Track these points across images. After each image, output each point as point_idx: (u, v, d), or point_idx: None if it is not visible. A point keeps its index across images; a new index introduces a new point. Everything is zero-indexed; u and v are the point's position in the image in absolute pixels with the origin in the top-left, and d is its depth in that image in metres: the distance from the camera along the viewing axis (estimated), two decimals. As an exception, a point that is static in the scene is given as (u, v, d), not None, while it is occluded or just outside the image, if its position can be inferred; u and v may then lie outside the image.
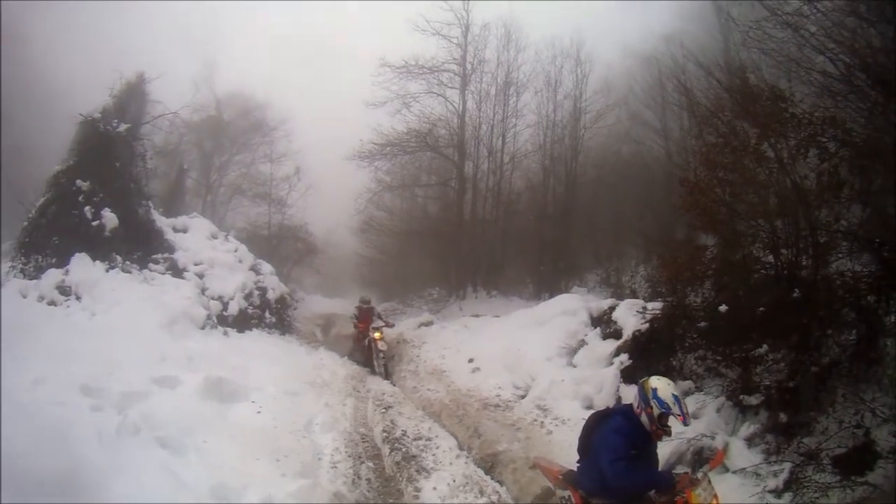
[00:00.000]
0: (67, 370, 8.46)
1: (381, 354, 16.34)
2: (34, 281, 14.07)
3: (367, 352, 17.04)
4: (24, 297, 13.38)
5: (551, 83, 26.01)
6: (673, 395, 5.93)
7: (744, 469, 7.49)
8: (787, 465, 7.26)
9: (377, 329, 16.94)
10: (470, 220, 25.82)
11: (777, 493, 7.07)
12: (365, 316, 18.05)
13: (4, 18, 19.73)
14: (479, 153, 26.30)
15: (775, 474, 7.23)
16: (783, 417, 7.82)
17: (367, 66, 25.86)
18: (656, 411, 5.83)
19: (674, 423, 5.92)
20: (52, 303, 13.41)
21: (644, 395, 5.97)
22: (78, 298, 13.62)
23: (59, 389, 7.70)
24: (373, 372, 16.23)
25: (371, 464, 9.24)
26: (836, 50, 8.71)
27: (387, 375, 15.77)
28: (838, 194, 8.46)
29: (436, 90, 25.86)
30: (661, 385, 6.04)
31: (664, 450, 6.86)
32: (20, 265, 14.77)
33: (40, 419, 6.29)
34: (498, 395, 11.84)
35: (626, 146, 24.11)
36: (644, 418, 5.91)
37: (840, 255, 8.49)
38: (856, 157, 8.46)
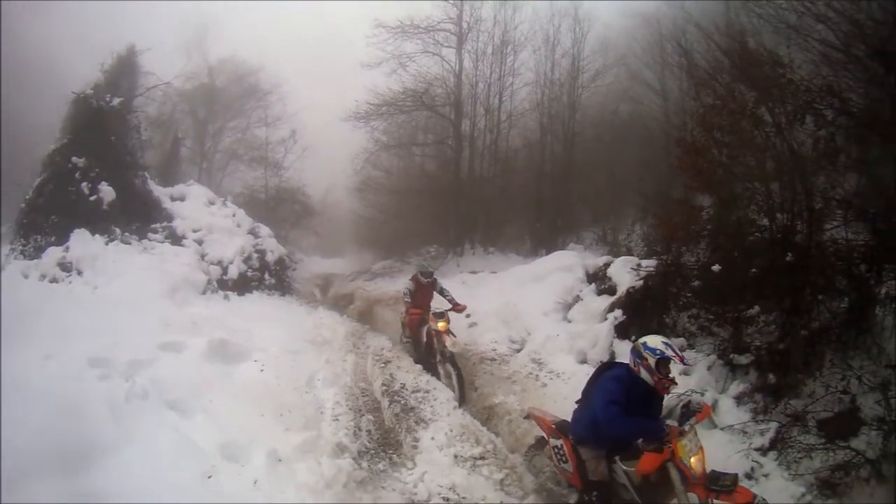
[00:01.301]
0: (74, 344, 8.58)
1: (448, 355, 11.16)
2: (35, 261, 14.32)
3: (427, 348, 12.29)
4: (26, 277, 13.57)
5: (549, 42, 25.68)
6: (663, 341, 6.17)
7: (731, 426, 7.63)
8: (774, 425, 7.40)
9: (441, 317, 11.83)
10: (467, 178, 25.76)
11: (762, 451, 7.22)
12: (423, 293, 13.19)
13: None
14: (476, 112, 26.13)
15: (762, 433, 7.37)
16: (772, 378, 7.95)
17: (362, 26, 25.69)
18: (652, 360, 6.06)
19: (676, 375, 6.14)
20: (54, 280, 13.61)
21: (637, 352, 6.22)
22: (80, 273, 13.82)
23: (68, 364, 7.88)
24: (434, 374, 11.56)
25: (371, 416, 9.49)
26: (836, 19, 8.75)
27: (462, 395, 10.40)
28: (834, 161, 8.53)
29: (431, 49, 25.62)
30: (649, 337, 6.32)
31: (653, 404, 7.01)
32: (20, 247, 15.08)
33: (51, 395, 6.56)
34: (494, 350, 12.10)
35: (625, 105, 23.93)
36: (644, 373, 6.13)
37: (835, 223, 8.55)
38: (853, 127, 8.55)
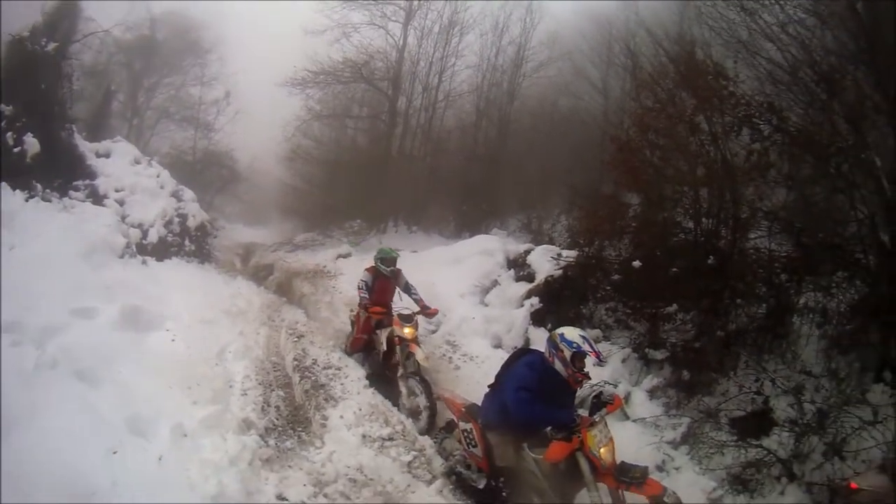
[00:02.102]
0: (-14, 309, 8.20)
1: (414, 370, 9.46)
2: None
3: (386, 360, 10.18)
4: None
5: (498, 28, 25.60)
6: (580, 335, 6.21)
7: (644, 419, 7.84)
8: (686, 420, 7.62)
9: (408, 321, 9.85)
10: (398, 155, 25.65)
11: (674, 444, 7.43)
12: (384, 288, 10.84)
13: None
14: (414, 89, 25.96)
15: (674, 427, 7.58)
16: (686, 375, 8.19)
17: (311, -10, 25.11)
18: (567, 353, 6.10)
19: (591, 370, 6.18)
20: None
21: (552, 342, 6.26)
22: (-3, 232, 13.16)
23: None
24: (387, 389, 9.67)
25: (281, 392, 9.28)
26: (786, 41, 8.94)
27: (431, 420, 8.68)
28: (765, 174, 8.80)
29: (378, 22, 25.34)
30: (567, 329, 6.35)
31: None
32: None
33: None
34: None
35: (565, 99, 24.01)
36: (558, 365, 6.17)
37: (759, 233, 8.79)
38: (788, 144, 8.76)
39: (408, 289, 10.85)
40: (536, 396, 5.97)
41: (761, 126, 8.80)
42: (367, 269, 11.02)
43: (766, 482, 6.60)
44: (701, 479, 6.82)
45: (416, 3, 25.26)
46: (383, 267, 10.81)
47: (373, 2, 24.96)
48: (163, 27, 30.66)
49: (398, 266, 11.00)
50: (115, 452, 5.98)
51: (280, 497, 6.48)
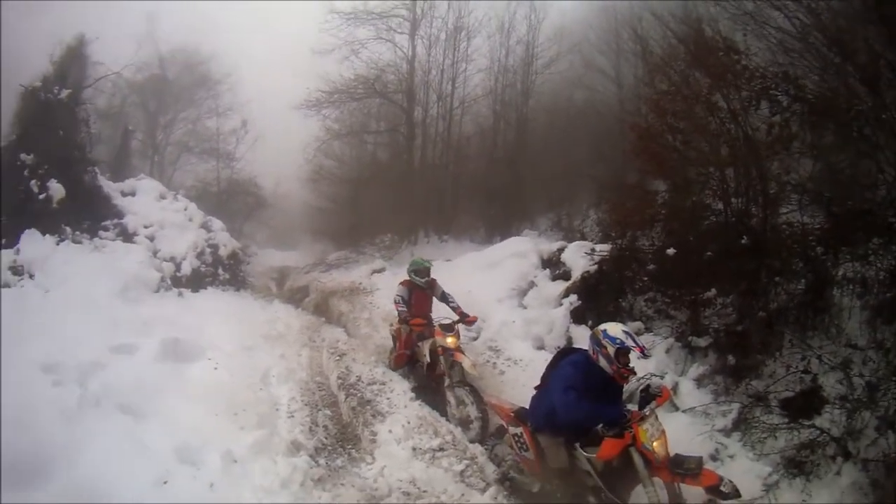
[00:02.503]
0: (26, 350, 8.38)
1: (460, 379, 9.36)
2: None
3: (430, 372, 10.10)
4: None
5: (504, 28, 25.59)
6: (623, 330, 6.17)
7: (693, 408, 7.69)
8: (736, 406, 7.45)
9: (449, 330, 9.81)
10: (420, 165, 25.67)
11: (726, 432, 7.27)
12: (421, 300, 10.75)
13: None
14: (429, 98, 25.98)
15: (724, 414, 7.43)
16: (731, 360, 8.02)
17: (315, 13, 25.34)
18: (611, 349, 6.04)
19: (635, 363, 6.14)
20: (6, 285, 12.94)
21: (595, 339, 6.20)
22: (31, 277, 13.22)
23: (20, 371, 7.67)
24: (434, 401, 9.59)
25: (328, 411, 9.38)
26: (792, 8, 8.79)
27: (483, 430, 8.61)
28: (789, 147, 8.58)
29: (384, 36, 25.42)
30: (609, 325, 6.30)
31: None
32: None
33: (3, 403, 6.33)
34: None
35: (579, 92, 23.85)
36: (602, 361, 6.11)
37: (790, 207, 8.61)
38: (807, 113, 8.53)
39: (444, 298, 10.76)
40: (583, 395, 5.93)
41: (779, 97, 8.61)
42: (401, 284, 10.88)
43: (821, 463, 6.42)
44: (756, 466, 6.68)
45: (419, 12, 25.35)
46: (417, 278, 10.73)
47: (376, 16, 25.08)
48: (172, 64, 31.32)
49: (432, 276, 10.98)
50: (165, 482, 6.13)
51: (334, 515, 6.49)
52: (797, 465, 6.45)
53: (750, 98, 8.81)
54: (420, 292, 10.73)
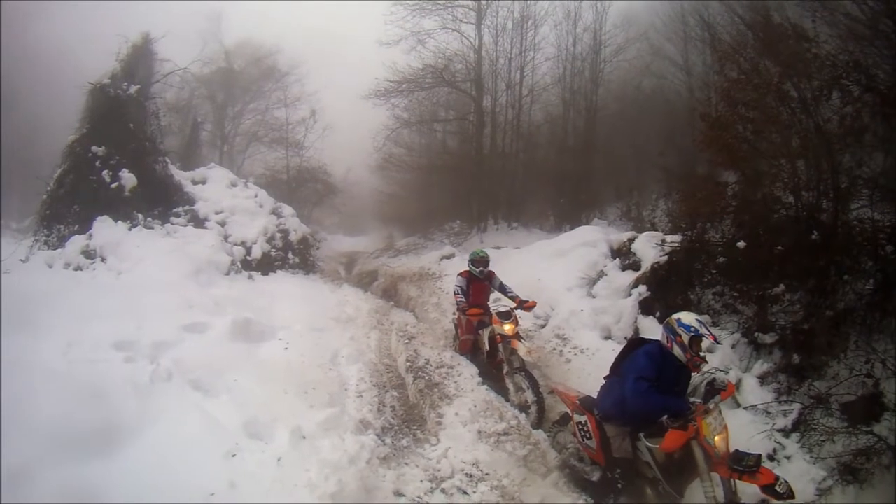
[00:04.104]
0: (98, 329, 8.77)
1: (519, 365, 9.33)
2: (59, 250, 14.37)
3: (491, 359, 10.18)
4: (51, 266, 13.65)
5: (570, 16, 25.57)
6: (696, 319, 6.20)
7: (755, 406, 7.60)
8: (797, 406, 7.34)
9: (507, 318, 9.73)
10: (489, 153, 25.72)
11: (785, 432, 7.17)
12: (479, 290, 10.83)
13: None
14: (497, 87, 25.98)
15: (784, 414, 7.32)
16: (796, 359, 7.87)
17: (379, 5, 25.67)
18: (685, 337, 6.08)
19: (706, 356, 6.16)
20: (78, 268, 13.65)
21: (670, 328, 6.23)
22: (103, 260, 13.88)
23: (92, 348, 8.13)
24: (498, 387, 9.62)
25: (395, 392, 9.56)
26: None
27: (540, 415, 8.62)
28: (861, 139, 8.38)
29: (450, 25, 25.53)
30: (683, 314, 6.33)
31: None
32: (43, 237, 15.22)
33: (76, 379, 6.79)
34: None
35: (648, 80, 23.78)
36: (676, 350, 6.15)
37: (861, 203, 8.40)
38: (879, 104, 8.28)
39: (503, 289, 10.77)
40: (655, 386, 5.97)
41: (850, 87, 8.36)
42: (460, 274, 10.96)
43: (875, 471, 6.32)
44: (812, 469, 6.57)
45: (484, 2, 25.30)
46: (475, 269, 10.76)
47: (441, 6, 25.14)
48: (237, 58, 32.28)
49: (492, 268, 11.02)
50: (233, 455, 6.37)
51: (398, 493, 6.67)
52: (852, 472, 6.34)
53: (821, 88, 8.58)
54: (478, 283, 10.78)
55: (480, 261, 10.79)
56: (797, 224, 8.89)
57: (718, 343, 6.95)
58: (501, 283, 10.83)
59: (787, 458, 6.91)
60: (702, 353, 6.25)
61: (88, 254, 14.03)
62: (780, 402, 7.56)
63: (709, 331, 6.15)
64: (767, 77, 9.32)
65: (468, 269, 10.91)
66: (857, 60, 8.41)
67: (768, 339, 8.38)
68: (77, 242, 14.25)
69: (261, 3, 33.73)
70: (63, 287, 11.29)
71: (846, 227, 8.29)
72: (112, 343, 8.42)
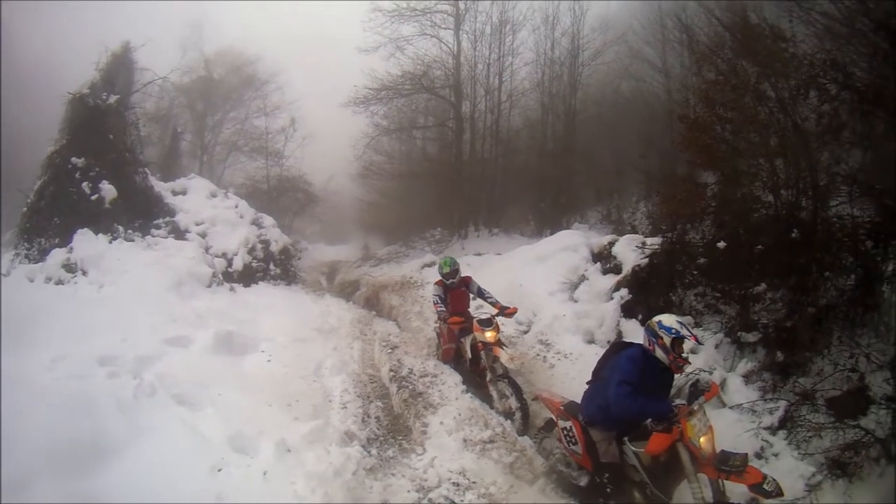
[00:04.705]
0: (81, 344, 8.78)
1: (502, 372, 9.36)
2: (39, 264, 14.26)
3: (474, 367, 10.14)
4: (32, 280, 13.56)
5: (548, 20, 25.55)
6: (677, 321, 6.22)
7: (740, 405, 7.61)
8: (783, 404, 7.36)
9: (488, 325, 9.66)
10: (469, 159, 25.70)
11: (772, 430, 7.19)
12: (457, 297, 10.73)
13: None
14: (476, 93, 26.00)
15: (770, 412, 7.33)
16: (780, 356, 7.90)
17: (357, 11, 25.61)
18: (667, 339, 6.10)
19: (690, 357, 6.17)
20: (59, 282, 13.55)
21: (652, 331, 6.24)
22: (84, 274, 13.77)
23: (77, 364, 8.09)
24: (481, 393, 9.64)
25: (380, 402, 9.59)
26: None
27: (524, 421, 8.58)
28: (839, 137, 8.42)
29: (429, 32, 25.51)
30: (663, 316, 6.35)
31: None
32: (24, 251, 15.12)
33: (61, 395, 6.75)
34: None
35: (626, 83, 23.78)
36: (659, 352, 6.17)
37: (840, 199, 8.45)
38: (857, 101, 8.33)
39: (481, 293, 10.63)
40: (638, 389, 5.97)
41: (827, 86, 8.43)
42: (436, 283, 10.86)
43: (864, 464, 6.33)
44: (800, 465, 6.60)
45: (462, 7, 25.35)
46: (446, 281, 10.69)
47: (419, 12, 25.14)
48: (217, 66, 32.17)
49: (473, 275, 11.13)
50: (219, 470, 6.33)
51: (385, 504, 6.63)
52: (841, 467, 6.35)
53: (798, 87, 8.66)
54: (456, 290, 10.70)
55: (450, 273, 10.70)
56: (777, 222, 8.95)
57: (700, 343, 6.98)
58: (479, 288, 10.71)
59: (775, 455, 6.92)
60: (684, 355, 6.24)
61: (69, 267, 13.93)
62: (765, 400, 7.58)
63: (690, 332, 6.16)
64: (745, 77, 9.40)
65: (439, 281, 10.84)
66: (834, 59, 8.45)
67: (751, 337, 8.42)
68: (58, 256, 14.14)
69: (241, 12, 33.77)
70: (45, 302, 11.24)
71: (826, 224, 8.36)
72: (96, 358, 8.38)
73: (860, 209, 8.21)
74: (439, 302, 10.56)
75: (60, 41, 24.45)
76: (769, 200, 9.25)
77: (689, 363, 6.45)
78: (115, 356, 8.60)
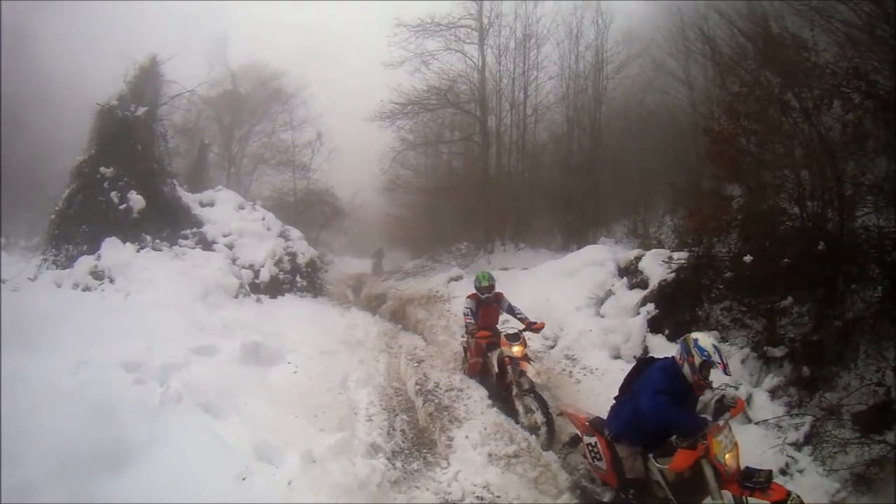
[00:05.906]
0: (107, 350, 8.84)
1: (528, 387, 9.26)
2: (67, 270, 14.44)
3: (500, 381, 10.00)
4: (59, 286, 13.73)
5: (572, 34, 25.47)
6: (713, 345, 6.12)
7: (766, 420, 7.58)
8: (809, 419, 7.31)
9: (515, 339, 9.69)
10: (495, 173, 25.62)
11: (797, 446, 7.14)
12: (488, 311, 10.81)
13: (8, 20, 20.11)
14: (502, 107, 25.97)
15: (796, 427, 7.29)
16: (806, 371, 7.85)
17: (382, 27, 25.76)
18: (697, 360, 6.03)
19: (714, 378, 6.16)
20: (86, 288, 13.71)
21: (686, 346, 6.17)
22: (111, 281, 13.94)
23: (102, 369, 8.16)
24: (508, 409, 9.51)
25: (405, 416, 9.53)
26: None
27: (549, 436, 8.55)
28: (863, 146, 8.37)
29: (454, 46, 25.48)
30: (701, 336, 6.27)
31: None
32: (52, 257, 15.24)
33: (85, 399, 6.73)
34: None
35: (651, 96, 23.60)
36: (686, 369, 6.11)
37: (866, 210, 8.39)
38: (881, 110, 8.29)
39: (511, 310, 10.65)
40: (671, 399, 5.95)
41: (851, 94, 8.38)
42: (468, 297, 10.95)
43: (889, 480, 6.27)
44: (825, 482, 6.56)
45: (486, 22, 25.34)
46: (481, 295, 10.71)
47: (444, 27, 25.13)
48: (244, 80, 32.37)
49: (501, 289, 11.00)
50: (244, 478, 6.30)
51: (408, 517, 6.62)
52: (866, 483, 6.31)
53: (822, 96, 8.62)
54: (487, 305, 10.74)
55: (486, 288, 10.72)
56: (803, 234, 8.88)
57: (727, 374, 6.91)
58: (510, 305, 10.70)
59: (800, 471, 6.87)
60: (710, 380, 6.21)
61: (97, 274, 14.10)
62: (791, 416, 7.53)
63: (721, 359, 6.07)
64: (768, 88, 9.36)
65: (473, 294, 10.89)
66: (856, 67, 8.40)
67: (778, 352, 8.36)
68: (85, 263, 14.33)
69: (266, 26, 34.04)
70: (72, 307, 11.48)
71: (852, 235, 8.29)
72: (121, 364, 8.45)
73: (886, 219, 8.13)
74: (469, 314, 10.61)
75: (86, 54, 24.77)
76: (795, 212, 9.18)
77: (712, 389, 6.39)
78: (140, 363, 8.68)
